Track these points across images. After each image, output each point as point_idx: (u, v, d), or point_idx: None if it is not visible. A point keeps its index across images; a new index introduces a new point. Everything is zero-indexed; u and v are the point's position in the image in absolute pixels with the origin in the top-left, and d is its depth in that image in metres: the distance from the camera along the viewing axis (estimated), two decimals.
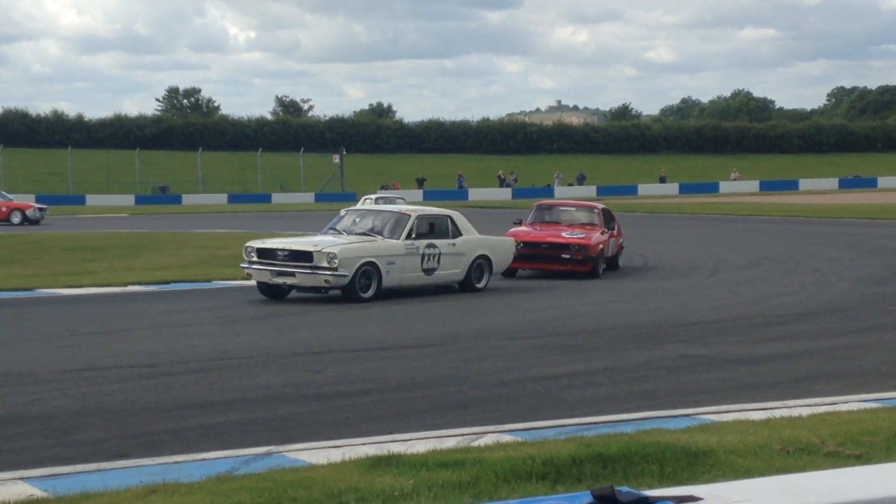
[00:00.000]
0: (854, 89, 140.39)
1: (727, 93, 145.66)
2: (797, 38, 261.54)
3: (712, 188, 75.98)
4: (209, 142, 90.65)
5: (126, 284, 20.33)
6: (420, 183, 75.31)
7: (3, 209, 45.47)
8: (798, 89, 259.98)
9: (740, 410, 9.61)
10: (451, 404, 10.00)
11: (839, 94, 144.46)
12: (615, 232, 23.61)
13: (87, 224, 44.42)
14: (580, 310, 17.30)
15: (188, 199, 67.89)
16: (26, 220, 44.82)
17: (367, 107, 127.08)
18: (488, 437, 8.52)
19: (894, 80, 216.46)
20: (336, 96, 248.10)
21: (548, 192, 72.91)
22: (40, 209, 46.37)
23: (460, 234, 19.66)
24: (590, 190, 74.26)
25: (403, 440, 8.40)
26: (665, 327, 15.05)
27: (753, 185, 77.11)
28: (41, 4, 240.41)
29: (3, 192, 49.98)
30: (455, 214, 20.19)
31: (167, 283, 20.72)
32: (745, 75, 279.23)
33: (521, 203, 61.96)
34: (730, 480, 3.27)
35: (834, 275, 22.16)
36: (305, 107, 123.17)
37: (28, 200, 50.05)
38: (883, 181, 78.47)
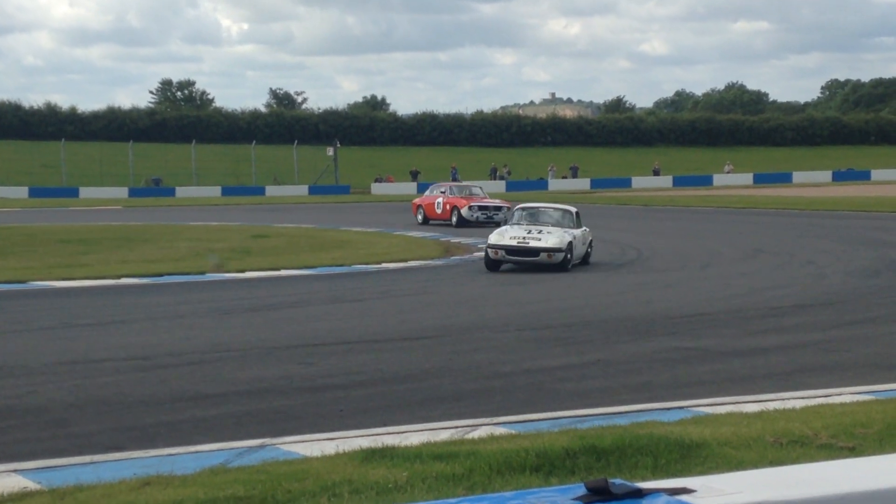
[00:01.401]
0: (847, 82, 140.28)
1: (721, 85, 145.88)
2: (791, 30, 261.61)
3: (706, 181, 75.97)
4: (203, 134, 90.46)
5: (120, 277, 20.33)
6: (414, 176, 75.23)
7: (447, 207, 37.34)
8: (792, 82, 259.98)
9: (734, 403, 9.63)
10: (445, 396, 10.01)
11: (833, 87, 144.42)
12: None
13: (80, 216, 44.32)
14: (574, 302, 17.31)
15: (182, 191, 67.76)
16: (463, 223, 36.21)
17: (360, 99, 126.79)
18: (482, 429, 8.53)
19: (888, 72, 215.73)
20: (330, 89, 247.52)
21: (542, 184, 72.91)
22: (483, 208, 36.84)
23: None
24: (584, 183, 74.26)
25: (397, 432, 8.40)
26: (659, 320, 15.07)
27: (747, 178, 77.11)
28: None
29: (477, 188, 40.29)
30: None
31: (161, 275, 20.73)
32: (738, 68, 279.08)
33: (514, 196, 61.95)
34: (723, 472, 3.28)
35: (827, 267, 22.20)
36: (299, 99, 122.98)
37: (467, 194, 38.76)
38: (876, 174, 78.46)
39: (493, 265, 22.38)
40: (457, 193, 38.44)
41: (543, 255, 22.16)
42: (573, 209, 24.25)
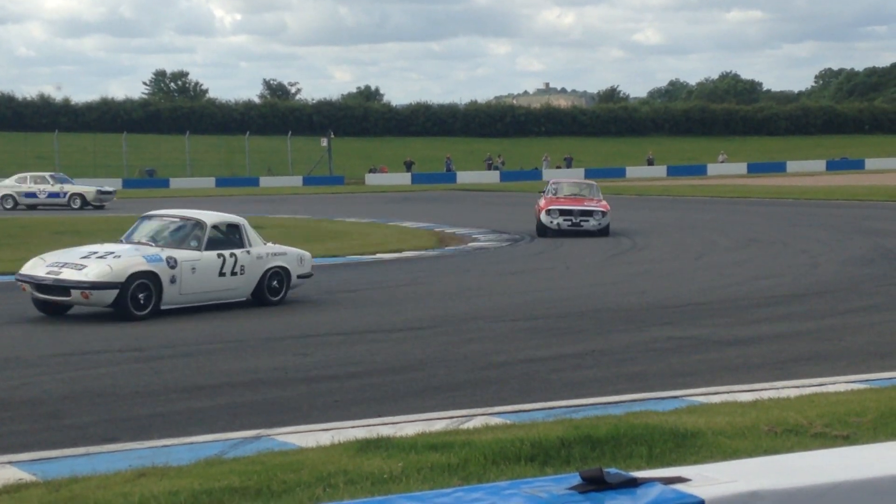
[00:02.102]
0: (841, 71, 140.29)
1: (715, 75, 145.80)
2: (784, 19, 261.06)
3: (700, 170, 75.98)
4: (196, 125, 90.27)
5: None
6: (408, 166, 75.22)
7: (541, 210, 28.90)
8: (785, 71, 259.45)
9: (728, 392, 9.65)
10: (440, 387, 10.01)
11: (826, 76, 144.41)
12: None
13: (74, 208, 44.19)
14: (568, 292, 17.31)
15: (176, 182, 67.62)
16: (543, 231, 28.60)
17: (354, 90, 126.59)
18: (477, 419, 8.53)
19: (881, 61, 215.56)
20: (323, 79, 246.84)
21: (536, 174, 72.88)
22: (566, 213, 28.26)
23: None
24: (578, 172, 74.20)
25: (392, 423, 8.41)
26: (653, 309, 15.08)
27: (741, 168, 77.15)
28: None
29: (593, 185, 31.21)
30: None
31: None
32: (732, 57, 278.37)
33: (509, 186, 61.95)
34: (718, 461, 3.28)
35: (821, 256, 22.22)
36: (293, 90, 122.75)
37: (572, 194, 29.98)
38: (870, 163, 78.55)
39: (40, 305, 14.70)
40: (564, 192, 30.16)
41: (77, 294, 14.12)
42: (209, 221, 15.61)
